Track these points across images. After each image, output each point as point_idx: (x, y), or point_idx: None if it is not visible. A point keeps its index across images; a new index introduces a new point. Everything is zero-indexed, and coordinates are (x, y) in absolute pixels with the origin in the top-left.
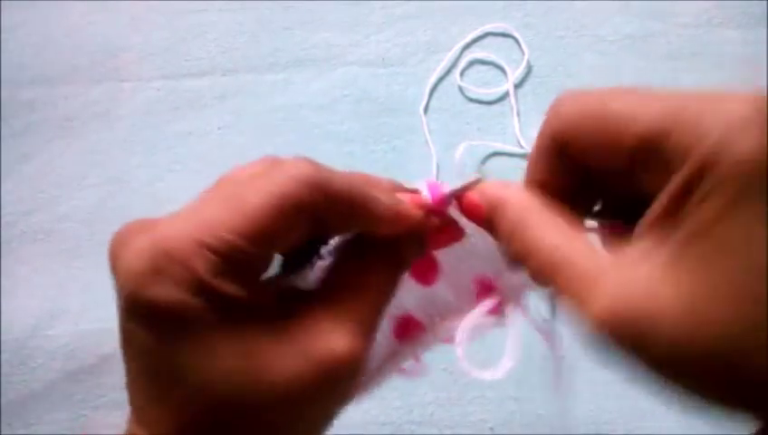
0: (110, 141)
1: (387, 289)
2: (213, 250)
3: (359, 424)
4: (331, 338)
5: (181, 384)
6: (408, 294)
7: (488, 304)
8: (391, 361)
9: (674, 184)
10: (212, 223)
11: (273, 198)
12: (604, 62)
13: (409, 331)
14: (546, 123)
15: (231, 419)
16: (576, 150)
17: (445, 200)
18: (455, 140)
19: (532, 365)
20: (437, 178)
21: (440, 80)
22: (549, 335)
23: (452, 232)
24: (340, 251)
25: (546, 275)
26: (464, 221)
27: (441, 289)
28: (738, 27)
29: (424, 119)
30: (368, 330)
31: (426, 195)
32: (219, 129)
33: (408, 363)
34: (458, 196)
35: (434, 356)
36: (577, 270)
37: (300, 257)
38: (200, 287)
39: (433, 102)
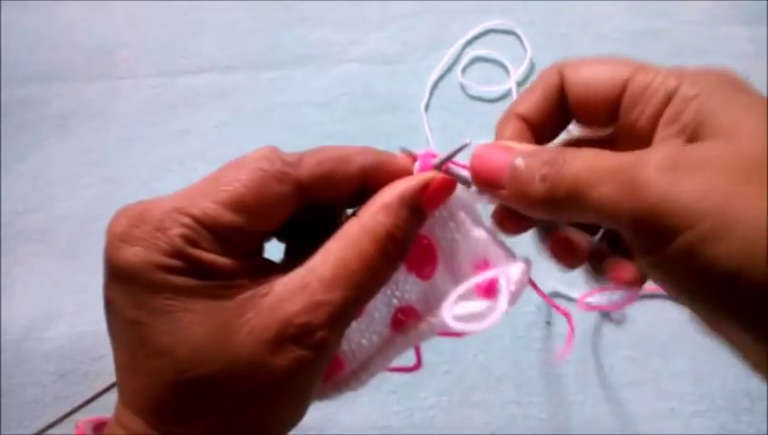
0: (106, 140)
1: (367, 270)
2: (190, 215)
3: (359, 428)
4: (295, 317)
5: (151, 351)
6: (408, 288)
7: (483, 277)
8: (385, 350)
9: (672, 105)
10: (191, 194)
11: (246, 168)
12: None
13: (405, 321)
14: (551, 67)
15: (199, 389)
16: (570, 92)
17: (433, 168)
18: (456, 139)
19: (534, 370)
20: None
21: (441, 77)
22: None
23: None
24: (327, 232)
25: (590, 183)
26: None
27: (440, 281)
28: (743, 24)
29: (425, 117)
30: (338, 310)
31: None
32: (217, 127)
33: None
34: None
35: (435, 360)
36: (619, 155)
37: (304, 244)
38: (173, 251)
39: (434, 100)
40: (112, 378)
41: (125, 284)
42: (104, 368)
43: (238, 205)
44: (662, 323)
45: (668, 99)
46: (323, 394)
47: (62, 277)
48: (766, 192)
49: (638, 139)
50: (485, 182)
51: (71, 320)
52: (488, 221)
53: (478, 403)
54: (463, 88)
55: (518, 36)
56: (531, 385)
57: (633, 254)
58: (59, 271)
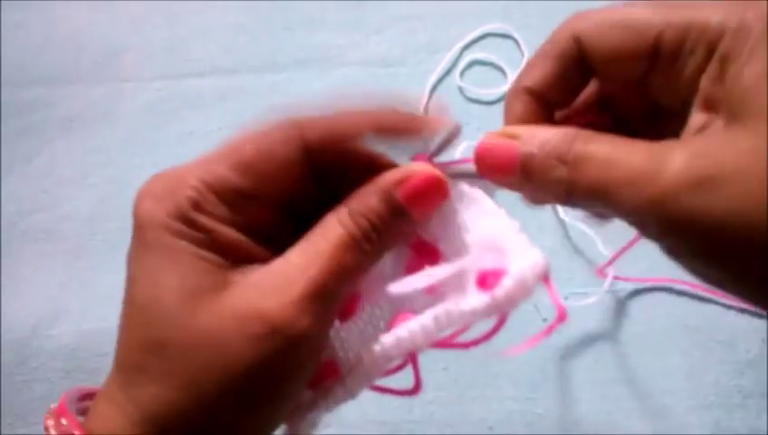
0: (110, 142)
1: (338, 267)
2: (199, 178)
3: (357, 424)
4: (263, 301)
5: (131, 307)
6: (411, 296)
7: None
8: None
9: (714, 61)
10: (205, 159)
11: (253, 131)
12: None
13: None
14: (566, 28)
15: (156, 351)
16: (596, 55)
17: (427, 158)
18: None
19: (532, 365)
20: None
21: (440, 80)
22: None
23: (434, 185)
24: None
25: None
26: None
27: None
28: None
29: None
30: (306, 306)
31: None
32: (220, 129)
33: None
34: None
35: (433, 356)
36: (638, 156)
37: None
38: (176, 212)
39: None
40: None
41: (133, 237)
42: (110, 365)
43: (244, 166)
44: (655, 319)
45: (710, 52)
46: (315, 405)
47: (67, 276)
48: None
49: (677, 96)
50: (495, 175)
51: (77, 318)
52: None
53: (476, 399)
54: (461, 91)
55: (515, 40)
56: (528, 381)
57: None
58: (64, 270)
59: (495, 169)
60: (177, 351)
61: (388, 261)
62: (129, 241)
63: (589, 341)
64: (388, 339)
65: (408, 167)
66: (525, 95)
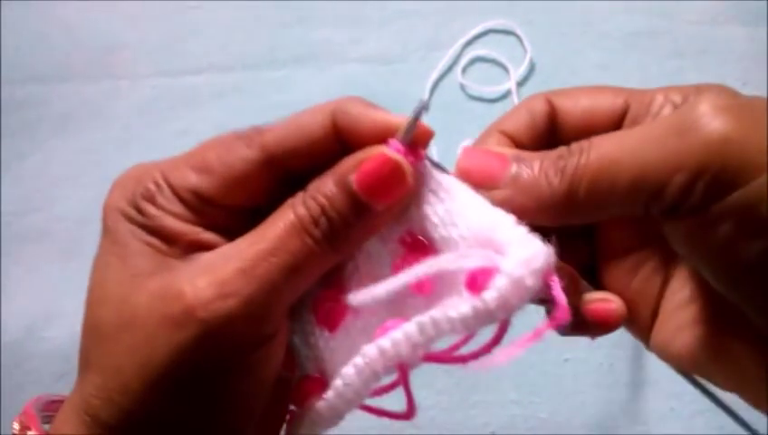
0: (105, 140)
1: (292, 244)
2: (162, 174)
3: (358, 428)
4: (187, 282)
5: (88, 289)
6: (401, 301)
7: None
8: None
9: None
10: (175, 158)
11: (219, 138)
12: (608, 60)
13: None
14: (536, 95)
15: (95, 333)
16: (565, 120)
17: (400, 145)
18: (456, 139)
19: (534, 370)
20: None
21: (441, 77)
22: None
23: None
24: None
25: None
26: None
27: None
28: (744, 24)
29: (424, 117)
30: (245, 282)
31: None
32: (216, 127)
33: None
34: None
35: None
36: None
37: None
38: (132, 201)
39: (434, 100)
40: None
41: (102, 224)
42: None
43: (203, 167)
44: None
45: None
46: (302, 424)
47: (61, 277)
48: None
49: None
50: (480, 182)
51: (71, 320)
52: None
53: (478, 403)
54: (463, 88)
55: (518, 36)
56: (531, 385)
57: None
58: (59, 271)
59: (480, 174)
60: (109, 332)
61: (379, 267)
62: None
63: (592, 344)
64: (370, 350)
65: (366, 150)
66: (500, 135)
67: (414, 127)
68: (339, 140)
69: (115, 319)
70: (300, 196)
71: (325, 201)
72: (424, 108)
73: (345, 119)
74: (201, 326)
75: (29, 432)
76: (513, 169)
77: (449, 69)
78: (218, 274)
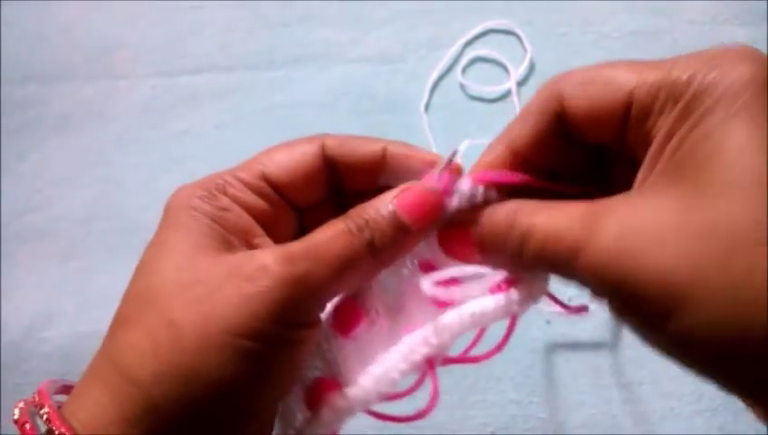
0: (105, 140)
1: (337, 244)
2: (232, 174)
3: (358, 427)
4: (257, 255)
5: (139, 267)
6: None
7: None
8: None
9: (673, 114)
10: (237, 165)
11: (285, 144)
12: (608, 60)
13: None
14: (550, 85)
15: (154, 292)
16: (573, 113)
17: (436, 178)
18: (456, 139)
19: (534, 370)
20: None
21: (441, 77)
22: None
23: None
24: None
25: (547, 245)
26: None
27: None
28: (744, 24)
29: (425, 117)
30: (283, 303)
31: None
32: (216, 127)
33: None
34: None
35: None
36: (569, 222)
37: None
38: (203, 193)
39: (434, 100)
40: None
41: (159, 224)
42: None
43: (270, 158)
44: None
45: (681, 111)
46: (313, 425)
47: (61, 278)
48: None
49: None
50: (465, 259)
51: (71, 320)
52: None
53: (478, 403)
54: (463, 88)
55: (518, 36)
56: (530, 385)
57: None
58: (59, 271)
59: (462, 254)
60: (166, 291)
61: (391, 282)
62: (125, 241)
63: (592, 344)
64: (414, 338)
65: (407, 184)
66: (501, 147)
67: (449, 164)
68: (384, 165)
69: (175, 279)
70: (345, 215)
71: (368, 216)
72: (456, 152)
73: (394, 150)
74: (273, 281)
75: (42, 410)
76: (477, 237)
77: (449, 69)
78: (286, 249)
